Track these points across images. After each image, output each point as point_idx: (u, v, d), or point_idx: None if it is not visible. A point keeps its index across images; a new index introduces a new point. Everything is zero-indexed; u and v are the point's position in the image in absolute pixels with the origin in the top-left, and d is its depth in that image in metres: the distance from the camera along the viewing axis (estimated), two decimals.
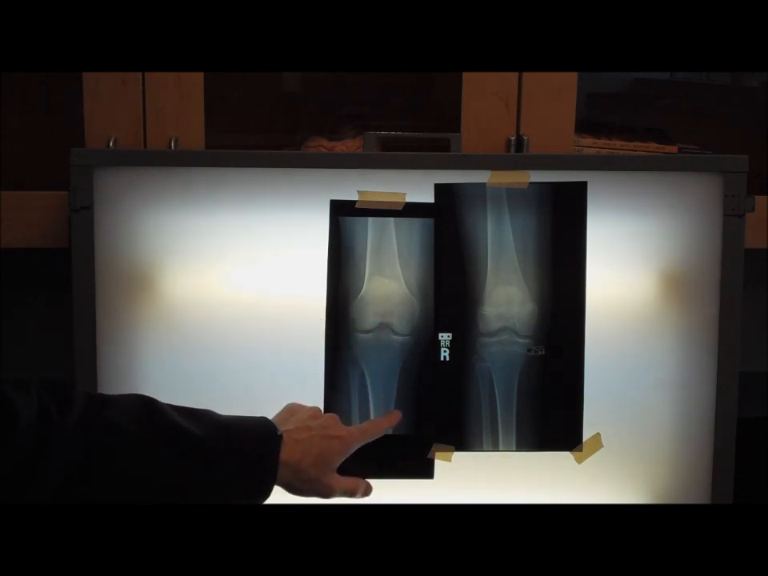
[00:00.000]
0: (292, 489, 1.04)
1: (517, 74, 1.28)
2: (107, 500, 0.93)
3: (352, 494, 1.09)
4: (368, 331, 1.19)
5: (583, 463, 1.23)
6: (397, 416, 1.18)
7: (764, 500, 1.36)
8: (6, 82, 1.29)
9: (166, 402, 1.00)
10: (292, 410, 1.10)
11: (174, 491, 0.96)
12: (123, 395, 1.00)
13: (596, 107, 1.52)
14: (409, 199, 1.20)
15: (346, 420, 1.20)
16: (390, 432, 1.16)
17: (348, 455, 1.08)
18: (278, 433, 1.02)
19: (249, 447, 0.99)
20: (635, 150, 1.36)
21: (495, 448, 1.22)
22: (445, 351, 1.20)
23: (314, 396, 1.19)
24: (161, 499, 0.94)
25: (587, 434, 1.23)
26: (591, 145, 1.35)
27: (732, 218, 1.22)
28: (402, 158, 1.21)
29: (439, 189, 1.20)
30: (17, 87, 1.30)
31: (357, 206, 1.19)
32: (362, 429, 1.12)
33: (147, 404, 0.98)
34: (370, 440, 1.12)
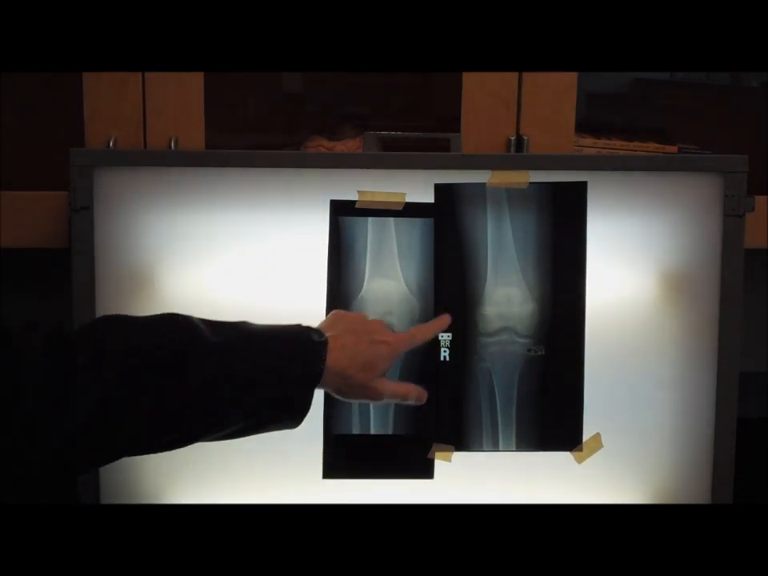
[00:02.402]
0: (341, 393, 1.04)
1: (517, 74, 1.28)
2: (142, 431, 0.91)
3: (404, 399, 1.08)
4: None
5: (583, 463, 1.23)
6: (446, 320, 1.15)
7: (764, 500, 1.36)
8: (6, 82, 1.29)
9: None
10: (337, 316, 1.09)
11: (215, 413, 0.94)
12: (153, 317, 0.97)
13: (596, 107, 1.52)
14: (409, 199, 1.20)
15: (346, 423, 1.21)
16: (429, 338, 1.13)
17: (396, 360, 1.07)
18: (324, 338, 1.01)
19: (293, 354, 0.98)
20: (635, 150, 1.36)
21: (495, 448, 1.22)
22: (445, 351, 1.20)
23: (314, 395, 1.19)
24: (200, 424, 0.93)
25: (587, 434, 1.23)
26: (591, 145, 1.35)
27: (732, 218, 1.22)
28: (401, 158, 1.21)
29: (439, 189, 1.20)
30: (17, 87, 1.30)
31: (357, 205, 1.19)
32: (410, 333, 1.10)
33: (184, 323, 0.95)
34: (418, 345, 1.10)
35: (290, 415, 0.99)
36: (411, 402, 1.09)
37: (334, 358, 1.01)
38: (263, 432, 0.99)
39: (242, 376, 0.95)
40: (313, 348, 1.00)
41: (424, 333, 1.12)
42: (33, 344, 0.87)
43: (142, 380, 0.90)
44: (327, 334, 1.02)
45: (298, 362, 0.98)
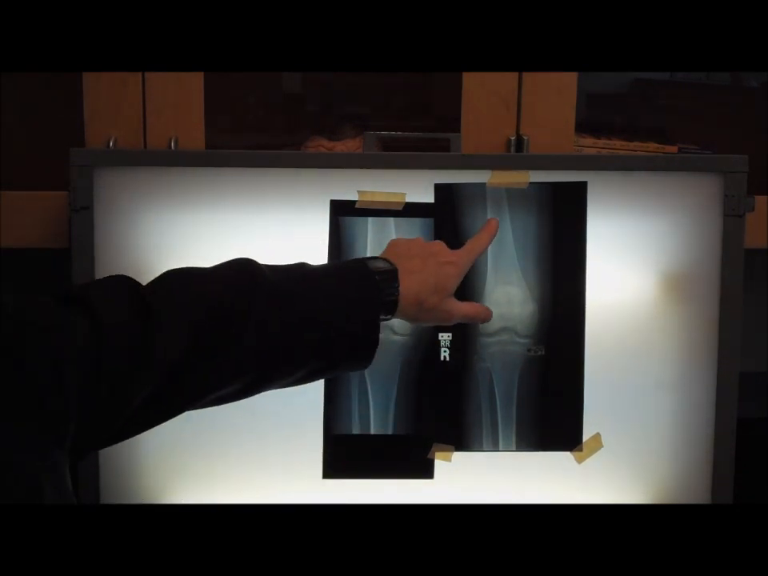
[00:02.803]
0: (414, 319, 1.05)
1: (517, 74, 1.28)
2: (216, 379, 0.92)
3: (473, 319, 1.09)
4: None
5: (583, 463, 1.23)
6: (494, 223, 1.13)
7: (764, 500, 1.36)
8: (5, 81, 1.29)
9: None
10: (397, 244, 1.09)
11: (288, 354, 0.95)
12: (221, 266, 0.97)
13: (596, 107, 1.52)
14: (409, 199, 1.20)
15: (346, 423, 1.21)
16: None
17: (462, 278, 1.07)
18: (393, 267, 1.01)
19: (361, 287, 0.99)
20: (635, 150, 1.36)
21: (495, 448, 1.22)
22: (445, 351, 1.20)
23: (313, 396, 1.19)
24: (273, 366, 0.94)
25: (587, 433, 1.23)
26: (591, 145, 1.35)
27: (732, 218, 1.22)
28: (401, 158, 1.21)
29: (439, 189, 1.20)
30: (17, 87, 1.30)
31: (357, 206, 1.19)
32: (467, 249, 1.09)
33: (250, 274, 0.95)
34: (478, 256, 1.10)
35: (364, 349, 0.99)
36: (478, 322, 1.11)
37: (406, 284, 1.01)
38: (337, 373, 1.00)
39: (308, 316, 0.95)
40: (384, 277, 1.00)
41: (480, 244, 1.11)
42: (112, 309, 0.87)
43: (213, 328, 0.90)
44: (394, 263, 1.02)
45: (370, 294, 0.99)
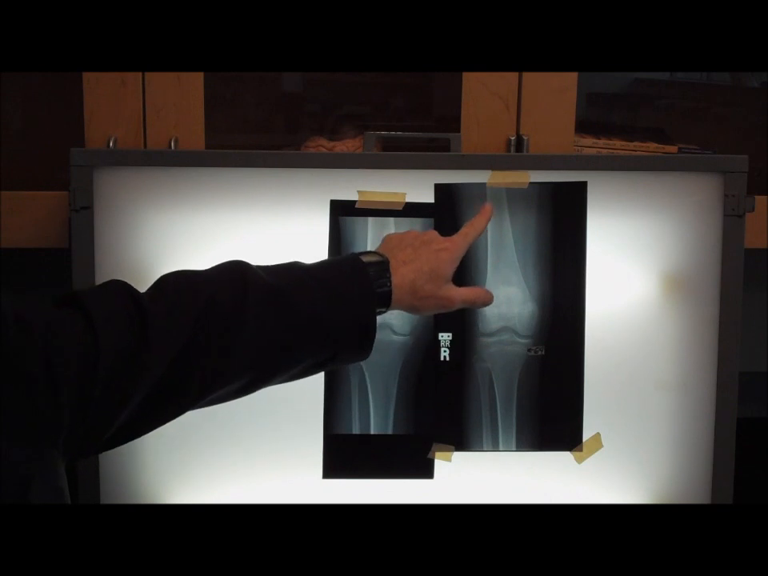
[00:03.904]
0: (414, 309, 1.04)
1: (517, 74, 1.28)
2: (217, 377, 0.92)
3: (473, 303, 1.08)
4: None
5: (583, 463, 1.23)
6: (488, 207, 1.12)
7: (764, 500, 1.36)
8: (6, 81, 1.29)
9: None
10: (389, 237, 1.09)
11: (287, 350, 0.95)
12: (214, 268, 0.98)
13: (596, 107, 1.52)
14: (409, 199, 1.20)
15: (346, 423, 1.21)
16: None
17: (458, 263, 1.06)
18: (384, 258, 1.02)
19: (353, 279, 0.99)
20: (635, 150, 1.36)
21: (495, 448, 1.22)
22: (445, 351, 1.20)
23: (314, 396, 1.19)
24: (274, 362, 0.95)
25: (587, 434, 1.23)
26: (591, 145, 1.35)
27: (732, 218, 1.22)
28: (401, 158, 1.21)
29: (439, 189, 1.20)
30: (17, 87, 1.30)
31: (357, 206, 1.19)
32: (462, 233, 1.09)
33: (242, 274, 0.96)
34: (473, 241, 1.09)
35: (362, 341, 0.99)
36: (478, 306, 1.10)
37: (401, 274, 1.01)
38: (337, 365, 0.99)
39: (303, 312, 0.95)
40: (376, 268, 1.00)
41: (476, 228, 1.11)
42: (107, 310, 0.88)
43: (209, 328, 0.91)
44: (386, 255, 1.02)
45: (359, 285, 0.99)
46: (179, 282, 0.94)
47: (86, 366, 0.84)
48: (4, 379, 0.79)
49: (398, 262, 1.02)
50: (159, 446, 1.20)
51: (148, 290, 0.94)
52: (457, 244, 1.07)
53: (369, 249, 1.19)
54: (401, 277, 1.01)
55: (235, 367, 0.93)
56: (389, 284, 1.00)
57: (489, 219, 1.12)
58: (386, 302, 1.01)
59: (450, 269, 1.05)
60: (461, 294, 1.06)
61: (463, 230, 1.10)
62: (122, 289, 0.91)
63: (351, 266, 1.00)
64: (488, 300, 1.09)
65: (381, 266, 1.01)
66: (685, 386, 1.24)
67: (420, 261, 1.03)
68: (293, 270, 0.99)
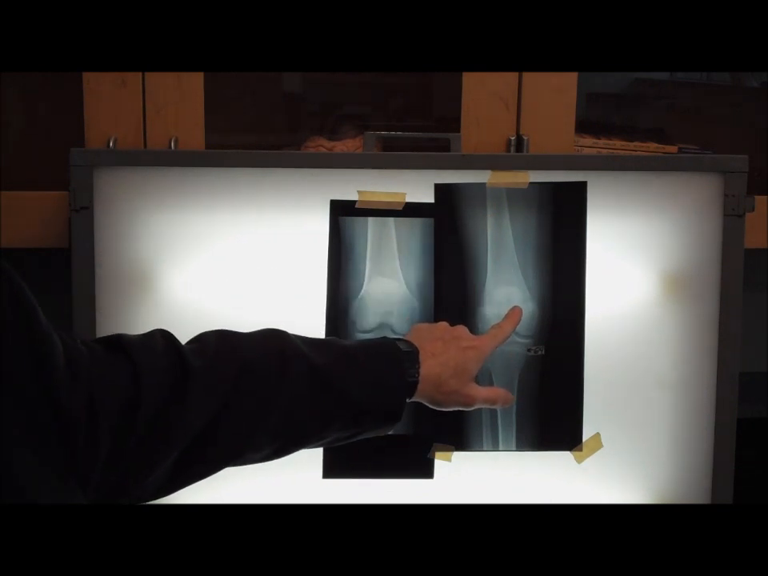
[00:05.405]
0: (435, 402, 1.04)
1: (517, 74, 1.28)
2: (245, 441, 0.93)
3: (493, 403, 1.08)
4: (368, 331, 1.19)
5: (583, 463, 1.23)
6: (518, 311, 1.14)
7: (764, 500, 1.36)
8: (6, 81, 1.29)
9: None
10: (420, 328, 1.09)
11: (316, 424, 0.96)
12: (255, 334, 0.98)
13: (596, 107, 1.52)
14: (409, 199, 1.20)
15: None
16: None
17: (483, 363, 1.07)
18: (414, 348, 1.02)
19: (388, 367, 0.99)
20: (635, 150, 1.36)
21: (495, 448, 1.22)
22: None
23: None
24: (301, 434, 0.96)
25: (587, 434, 1.23)
26: (591, 145, 1.35)
27: (732, 218, 1.22)
28: (401, 158, 1.21)
29: (439, 189, 1.20)
30: (17, 87, 1.30)
31: (357, 206, 1.19)
32: (491, 335, 1.10)
33: (281, 343, 0.97)
34: (500, 344, 1.10)
35: (387, 424, 1.00)
36: (498, 407, 1.10)
37: (428, 366, 1.01)
38: (361, 438, 1.00)
39: (340, 390, 0.96)
40: (407, 358, 1.01)
41: (504, 331, 1.11)
42: (150, 359, 0.88)
43: (245, 395, 0.92)
44: (416, 344, 1.03)
45: (394, 373, 0.99)
46: (221, 344, 0.94)
47: (125, 417, 0.84)
48: (46, 413, 0.78)
49: (427, 353, 1.02)
50: None
51: (189, 344, 0.94)
52: (485, 343, 1.08)
53: (368, 248, 1.19)
54: (428, 368, 1.01)
55: (262, 438, 0.94)
56: (416, 375, 1.01)
57: (517, 323, 1.13)
58: (410, 393, 1.01)
59: (475, 367, 1.06)
60: (482, 394, 1.06)
61: (492, 332, 1.11)
62: (168, 342, 0.92)
63: (389, 356, 1.00)
64: (509, 401, 1.10)
65: (411, 356, 1.01)
66: (685, 386, 1.24)
67: (448, 355, 1.04)
68: (332, 347, 1.00)
